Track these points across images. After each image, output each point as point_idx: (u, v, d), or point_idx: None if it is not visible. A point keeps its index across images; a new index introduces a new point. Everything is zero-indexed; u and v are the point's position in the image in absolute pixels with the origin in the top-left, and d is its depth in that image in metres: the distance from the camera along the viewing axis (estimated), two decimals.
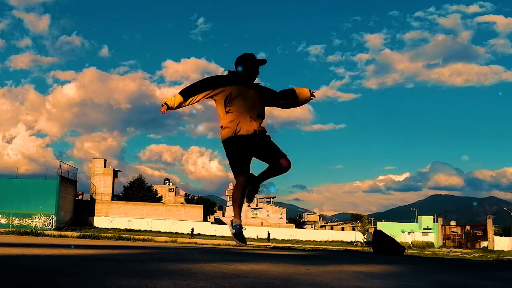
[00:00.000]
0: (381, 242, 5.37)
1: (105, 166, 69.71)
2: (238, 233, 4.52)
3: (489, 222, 65.54)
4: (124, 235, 6.83)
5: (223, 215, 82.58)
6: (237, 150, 4.52)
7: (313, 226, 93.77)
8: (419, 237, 68.31)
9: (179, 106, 4.59)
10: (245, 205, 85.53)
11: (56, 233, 8.62)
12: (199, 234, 54.15)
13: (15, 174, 72.64)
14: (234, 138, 4.54)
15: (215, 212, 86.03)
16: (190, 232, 52.77)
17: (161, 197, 76.46)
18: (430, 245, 63.53)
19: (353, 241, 63.45)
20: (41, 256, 2.24)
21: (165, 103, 4.50)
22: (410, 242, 61.57)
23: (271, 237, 54.28)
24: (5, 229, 9.15)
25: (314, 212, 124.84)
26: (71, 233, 9.51)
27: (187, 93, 4.59)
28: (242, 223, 4.69)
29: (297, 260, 2.97)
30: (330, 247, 27.28)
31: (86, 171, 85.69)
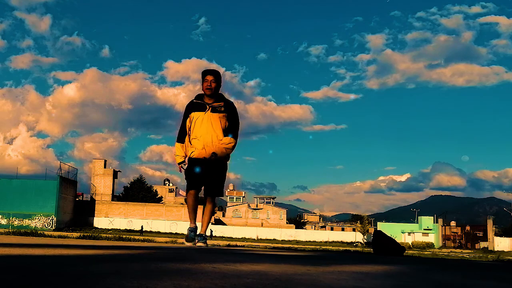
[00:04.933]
0: (381, 242, 5.36)
1: (105, 167, 69.75)
2: (188, 236, 5.40)
3: (489, 222, 65.56)
4: (124, 236, 6.84)
5: (223, 215, 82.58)
6: (188, 168, 5.32)
7: (313, 226, 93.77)
8: (419, 238, 68.34)
9: (186, 152, 5.37)
10: (245, 205, 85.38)
11: (56, 233, 8.62)
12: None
13: (15, 175, 72.71)
14: (189, 159, 5.35)
15: (215, 212, 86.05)
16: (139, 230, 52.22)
17: (161, 197, 76.46)
18: (430, 245, 63.53)
19: (353, 241, 63.47)
20: (41, 256, 2.24)
21: (179, 163, 5.35)
22: (410, 243, 61.58)
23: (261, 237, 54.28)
24: (5, 229, 9.15)
25: (314, 213, 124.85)
26: (71, 233, 9.51)
27: (180, 137, 5.39)
28: (195, 227, 5.47)
29: (297, 260, 2.96)
30: (330, 247, 27.27)
31: (87, 172, 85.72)
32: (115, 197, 70.13)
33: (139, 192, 71.01)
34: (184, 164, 5.35)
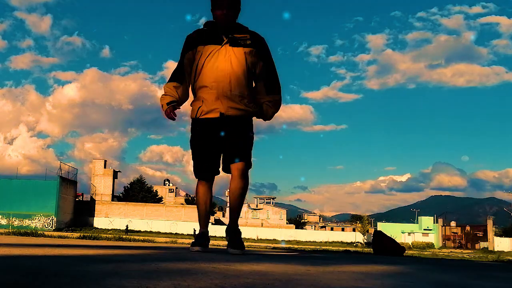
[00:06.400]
0: (381, 242, 5.36)
1: (105, 167, 69.71)
2: (194, 241, 3.48)
3: (489, 222, 65.50)
4: (124, 236, 6.83)
5: (223, 215, 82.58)
6: (196, 139, 3.38)
7: (313, 227, 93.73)
8: (419, 238, 68.31)
9: (182, 95, 3.48)
10: (245, 205, 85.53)
11: (56, 233, 8.62)
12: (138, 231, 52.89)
13: (15, 175, 72.71)
14: (196, 121, 3.38)
15: (215, 212, 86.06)
16: (125, 229, 51.72)
17: (161, 198, 76.48)
18: (430, 245, 63.51)
19: (353, 241, 63.44)
20: (41, 256, 2.24)
21: (169, 103, 3.42)
22: (410, 243, 61.57)
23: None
24: (5, 229, 9.17)
25: (314, 213, 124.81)
26: (71, 233, 9.51)
27: (174, 77, 3.49)
28: (206, 230, 3.52)
29: (297, 260, 2.96)
30: (330, 247, 27.25)
31: (87, 172, 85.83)
32: (115, 198, 70.10)
33: (139, 192, 71.00)
34: (176, 106, 3.44)
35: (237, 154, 3.29)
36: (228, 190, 3.39)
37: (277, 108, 3.52)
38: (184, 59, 3.42)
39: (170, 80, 3.49)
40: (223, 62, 3.24)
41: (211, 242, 4.64)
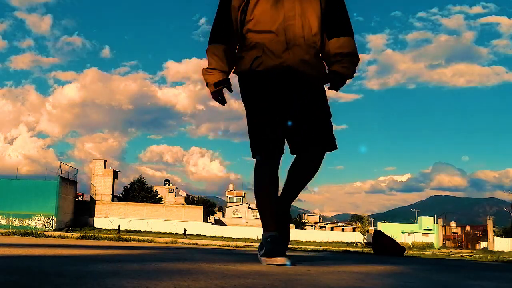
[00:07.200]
0: (382, 242, 5.36)
1: (105, 167, 69.76)
2: (269, 250, 2.26)
3: (489, 223, 65.55)
4: (124, 236, 6.83)
5: (223, 215, 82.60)
6: (258, 96, 2.38)
7: (313, 227, 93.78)
8: (419, 238, 68.36)
9: (231, 62, 2.50)
10: (245, 206, 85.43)
11: (56, 234, 8.62)
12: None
13: (15, 175, 72.76)
14: (250, 74, 2.40)
15: (215, 212, 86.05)
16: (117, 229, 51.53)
17: (161, 198, 76.49)
18: (430, 245, 63.56)
19: (353, 241, 63.47)
20: (41, 256, 2.24)
21: (214, 83, 2.45)
22: (410, 243, 61.60)
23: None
24: (5, 229, 9.17)
25: (314, 213, 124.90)
26: (71, 234, 9.52)
27: (218, 34, 2.49)
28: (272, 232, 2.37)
29: (297, 260, 2.96)
30: (330, 247, 27.23)
31: (87, 172, 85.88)
32: (115, 198, 70.14)
33: (139, 192, 71.02)
34: (227, 87, 2.50)
35: (315, 134, 2.42)
36: (291, 166, 2.54)
37: (350, 65, 2.39)
38: (228, 3, 2.47)
39: (214, 39, 2.50)
40: (290, 1, 2.36)
41: (211, 242, 4.61)
